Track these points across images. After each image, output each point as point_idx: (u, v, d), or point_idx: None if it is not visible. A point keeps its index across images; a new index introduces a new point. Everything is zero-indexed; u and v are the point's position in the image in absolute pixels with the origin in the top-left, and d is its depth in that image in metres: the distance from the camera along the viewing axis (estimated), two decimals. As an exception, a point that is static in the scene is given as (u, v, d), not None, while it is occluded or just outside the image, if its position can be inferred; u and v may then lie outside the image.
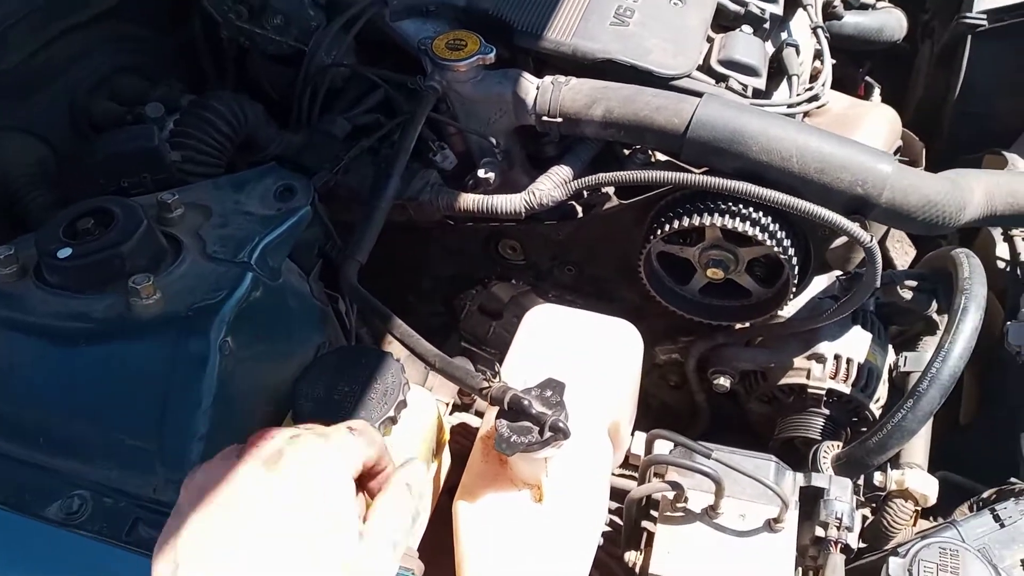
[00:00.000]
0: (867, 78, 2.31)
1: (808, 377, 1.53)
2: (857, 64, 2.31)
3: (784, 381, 1.55)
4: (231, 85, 1.79)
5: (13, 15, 1.48)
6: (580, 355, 1.17)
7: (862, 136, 1.69)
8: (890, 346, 1.60)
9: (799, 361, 1.54)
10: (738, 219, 1.34)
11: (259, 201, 1.33)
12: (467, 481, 1.08)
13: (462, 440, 1.37)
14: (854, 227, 1.28)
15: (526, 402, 1.00)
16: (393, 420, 1.04)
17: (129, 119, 1.66)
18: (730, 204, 1.35)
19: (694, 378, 1.67)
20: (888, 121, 1.82)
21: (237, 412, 1.09)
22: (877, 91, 2.26)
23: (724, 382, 1.59)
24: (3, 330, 1.09)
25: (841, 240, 1.50)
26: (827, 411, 1.54)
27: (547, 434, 0.98)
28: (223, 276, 1.16)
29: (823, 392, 1.52)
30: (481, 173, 1.52)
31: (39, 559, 0.93)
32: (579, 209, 1.56)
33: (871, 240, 1.29)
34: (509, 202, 1.46)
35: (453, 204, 1.49)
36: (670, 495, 1.21)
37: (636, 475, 1.31)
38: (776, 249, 1.35)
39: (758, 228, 1.34)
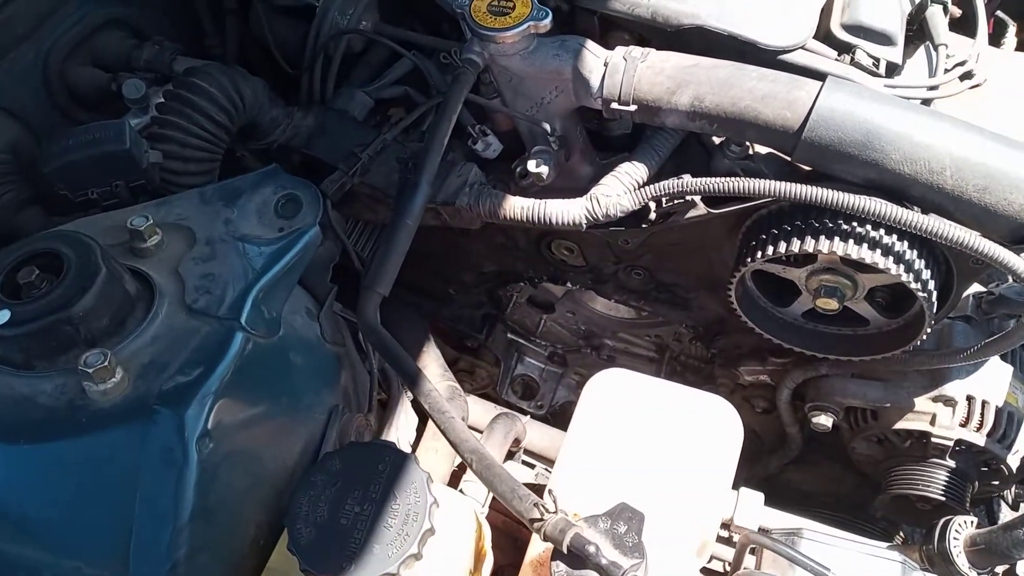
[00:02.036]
0: (998, 12, 1.90)
1: (932, 423, 1.25)
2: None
3: (901, 425, 1.27)
4: (232, 43, 1.49)
5: None
6: (666, 449, 0.90)
7: (1016, 107, 1.35)
8: (1034, 379, 1.30)
9: (922, 403, 1.26)
10: (864, 245, 1.04)
11: (256, 218, 1.07)
12: (514, 621, 0.85)
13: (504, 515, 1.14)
14: (1017, 261, 0.97)
15: (592, 547, 0.75)
16: (417, 556, 0.79)
17: (114, 88, 1.39)
18: (853, 224, 1.04)
19: (787, 409, 1.40)
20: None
21: (223, 525, 0.87)
22: (1012, 30, 1.85)
23: (826, 421, 1.32)
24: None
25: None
26: (952, 463, 1.27)
27: (619, 593, 0.73)
28: (204, 340, 0.91)
29: (950, 443, 1.24)
30: (532, 166, 1.23)
31: None
32: (653, 210, 1.26)
33: (1045, 281, 0.98)
34: (567, 212, 1.17)
35: (498, 210, 1.20)
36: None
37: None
38: (912, 284, 1.04)
39: (890, 257, 1.04)
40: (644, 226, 1.23)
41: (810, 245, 1.06)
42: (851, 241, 1.04)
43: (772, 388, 1.41)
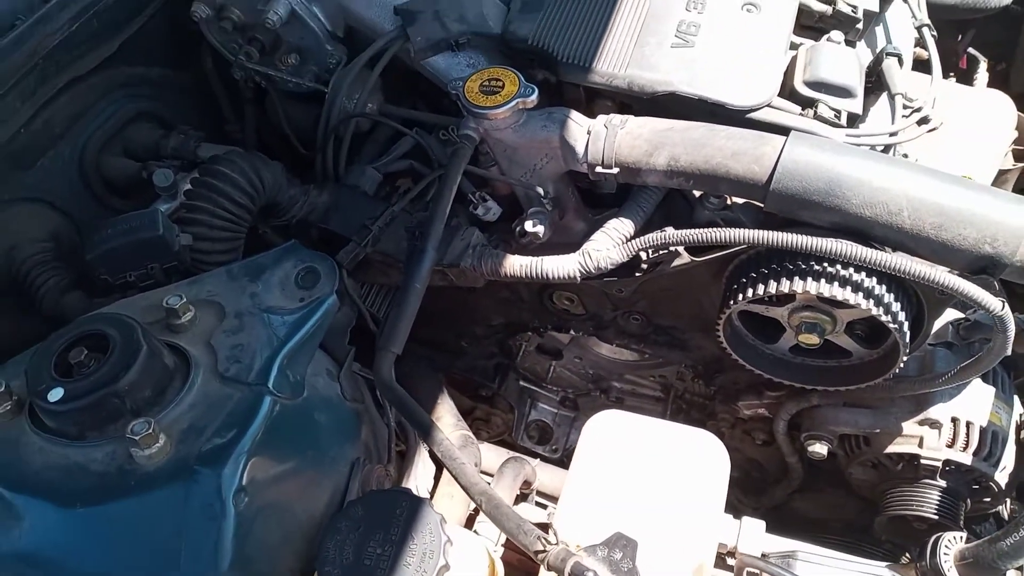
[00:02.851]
0: (969, 49, 2.00)
1: (921, 446, 1.32)
2: (957, 33, 2.01)
3: (892, 449, 1.34)
4: (251, 129, 1.62)
5: (11, 75, 1.33)
6: (659, 481, 0.99)
7: (974, 144, 1.44)
8: (1016, 398, 1.37)
9: (909, 426, 1.33)
10: (836, 283, 1.13)
11: (279, 290, 1.18)
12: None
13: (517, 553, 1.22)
14: (983, 295, 1.05)
15: (591, 574, 0.83)
16: (434, 594, 0.88)
17: (145, 176, 1.51)
18: (825, 265, 1.13)
19: (784, 440, 1.47)
20: (1002, 114, 1.55)
21: (260, 572, 0.95)
22: (983, 66, 1.96)
23: (821, 449, 1.39)
24: (0, 487, 0.97)
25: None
26: (943, 482, 1.33)
27: (619, 617, 0.81)
28: (236, 405, 1.01)
29: (939, 464, 1.30)
30: (529, 227, 1.33)
31: None
32: (643, 260, 1.36)
33: (1003, 307, 1.06)
34: (562, 266, 1.27)
35: (499, 269, 1.30)
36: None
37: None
38: (883, 317, 1.13)
39: (860, 293, 1.12)
40: (636, 275, 1.32)
41: (786, 286, 1.15)
42: (823, 280, 1.13)
43: (770, 421, 1.49)
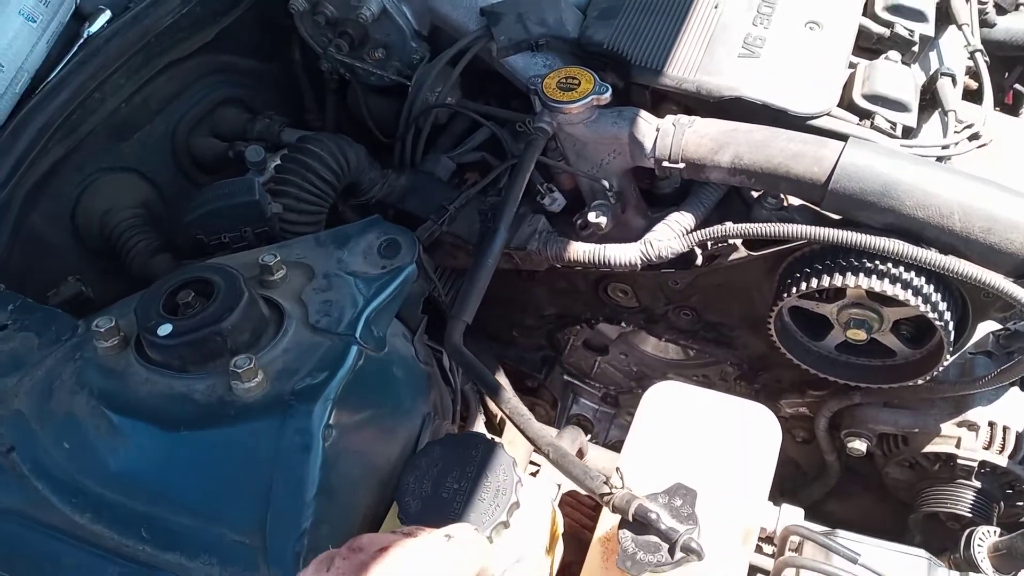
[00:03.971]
0: (1016, 85, 2.08)
1: (958, 446, 1.37)
2: (1004, 70, 2.08)
3: (929, 449, 1.40)
4: (332, 118, 1.72)
5: (120, 53, 1.45)
6: (713, 448, 1.06)
7: (1018, 172, 1.51)
8: (1053, 409, 1.43)
9: (947, 427, 1.39)
10: (887, 280, 1.20)
11: (362, 258, 1.26)
12: (585, 587, 0.99)
13: (572, 511, 1.29)
14: (1020, 292, 1.12)
15: (654, 515, 0.90)
16: (505, 524, 0.95)
17: (231, 155, 1.62)
18: (877, 262, 1.20)
19: (824, 438, 1.53)
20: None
21: (341, 502, 1.03)
22: (1029, 101, 2.03)
23: (860, 446, 1.45)
24: (107, 412, 1.06)
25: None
26: (978, 483, 1.39)
27: (678, 555, 0.88)
28: (327, 351, 1.09)
29: (975, 464, 1.36)
30: (592, 217, 1.42)
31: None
32: (699, 254, 1.44)
33: (1045, 309, 1.13)
34: (624, 253, 1.35)
35: (563, 254, 1.38)
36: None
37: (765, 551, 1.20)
38: (930, 314, 1.20)
39: (910, 290, 1.19)
40: (693, 268, 1.40)
41: (838, 281, 1.22)
42: (874, 277, 1.20)
43: (811, 419, 1.55)
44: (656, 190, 1.51)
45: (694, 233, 1.32)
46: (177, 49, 1.58)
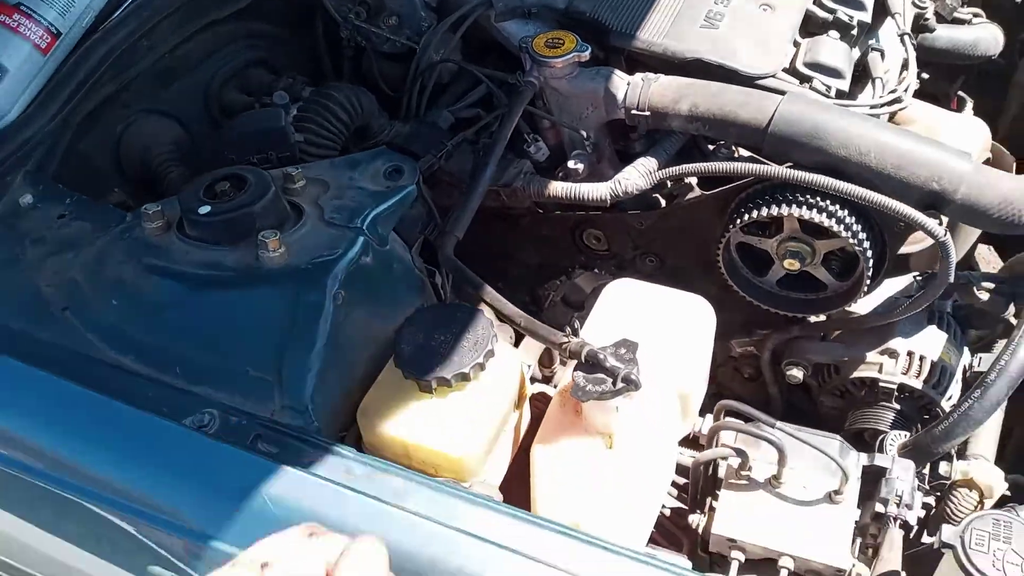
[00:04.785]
0: (960, 92, 2.32)
1: (880, 371, 1.57)
2: (950, 79, 2.32)
3: (856, 374, 1.59)
4: (347, 81, 1.95)
5: (167, 7, 1.68)
6: (655, 325, 1.26)
7: (947, 141, 1.73)
8: (966, 348, 1.63)
9: (872, 356, 1.58)
10: (815, 211, 1.41)
11: (370, 179, 1.48)
12: (544, 429, 1.19)
13: (540, 406, 1.48)
14: (928, 220, 1.33)
15: (601, 356, 1.10)
16: (481, 366, 1.15)
17: (257, 107, 1.84)
18: (808, 197, 1.42)
19: (768, 370, 1.73)
20: (976, 131, 1.84)
21: (345, 355, 1.23)
22: (970, 105, 2.27)
23: (798, 373, 1.65)
24: (151, 276, 1.26)
25: (925, 244, 1.55)
26: (898, 406, 1.58)
27: (619, 384, 1.08)
28: (338, 238, 1.30)
29: (894, 386, 1.56)
30: (571, 164, 1.63)
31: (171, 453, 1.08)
32: (662, 202, 1.65)
33: (944, 234, 1.34)
34: (596, 190, 1.56)
35: (543, 191, 1.60)
36: (735, 462, 1.28)
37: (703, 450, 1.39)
38: (852, 241, 1.41)
39: (834, 220, 1.40)
40: (655, 209, 1.62)
41: (775, 211, 1.43)
42: (805, 208, 1.41)
43: (757, 357, 1.75)
44: (628, 150, 1.73)
45: (657, 172, 1.53)
46: (216, 11, 1.81)
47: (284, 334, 1.20)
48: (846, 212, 1.41)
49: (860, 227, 1.41)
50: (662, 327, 1.27)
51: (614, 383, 1.08)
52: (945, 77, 2.31)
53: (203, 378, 1.18)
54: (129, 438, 1.09)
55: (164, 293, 1.25)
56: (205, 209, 1.27)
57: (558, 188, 1.59)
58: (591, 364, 1.11)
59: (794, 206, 1.42)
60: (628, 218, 1.66)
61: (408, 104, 1.76)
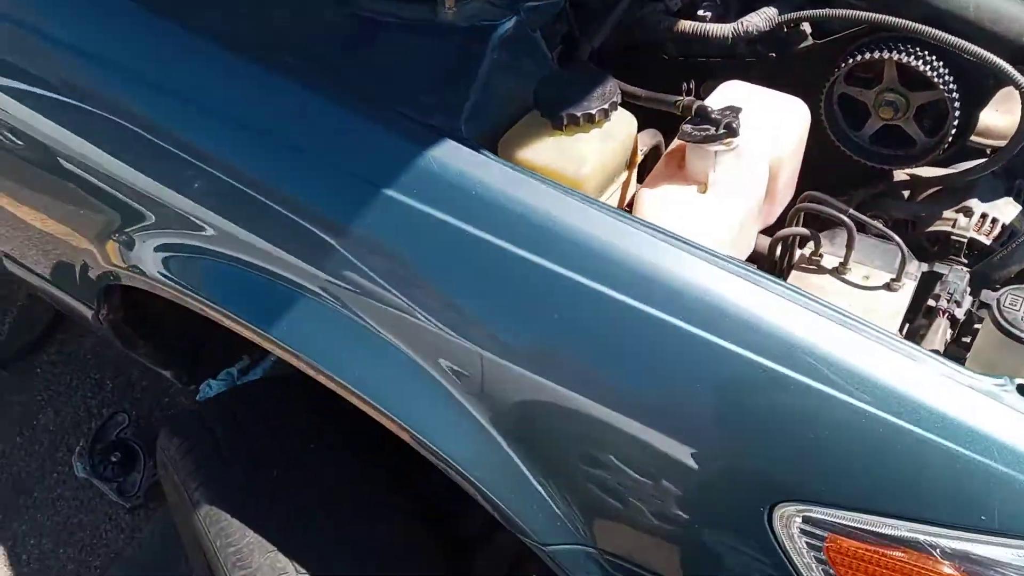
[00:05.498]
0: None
1: (954, 226, 1.73)
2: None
3: (931, 229, 1.76)
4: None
5: None
6: (758, 114, 1.47)
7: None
8: (1036, 220, 1.77)
9: (948, 213, 1.75)
10: (914, 58, 1.58)
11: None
12: (651, 178, 1.41)
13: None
14: (1012, 70, 1.49)
15: (708, 109, 1.32)
16: (606, 113, 1.38)
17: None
18: (909, 46, 1.59)
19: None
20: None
21: (492, 98, 1.48)
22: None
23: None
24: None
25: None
26: (966, 261, 1.74)
27: (721, 130, 1.30)
28: (499, 14, 1.55)
29: (965, 240, 1.71)
30: (700, 12, 1.84)
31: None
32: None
33: (1027, 83, 1.50)
34: (720, 29, 1.76)
35: (672, 26, 1.81)
36: (807, 251, 1.48)
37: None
38: (944, 91, 1.57)
39: (930, 67, 1.57)
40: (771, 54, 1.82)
41: (877, 55, 1.61)
42: (904, 54, 1.59)
43: (844, 214, 1.92)
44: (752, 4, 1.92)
45: (776, 18, 1.73)
46: None
47: (448, 72, 1.46)
48: (942, 63, 1.58)
49: (951, 78, 1.58)
50: (764, 116, 1.47)
51: (716, 128, 1.30)
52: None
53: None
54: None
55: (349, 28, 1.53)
56: (391, -30, 1.55)
57: (686, 26, 1.80)
58: (700, 117, 1.33)
59: (895, 52, 1.60)
60: (744, 65, 1.86)
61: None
